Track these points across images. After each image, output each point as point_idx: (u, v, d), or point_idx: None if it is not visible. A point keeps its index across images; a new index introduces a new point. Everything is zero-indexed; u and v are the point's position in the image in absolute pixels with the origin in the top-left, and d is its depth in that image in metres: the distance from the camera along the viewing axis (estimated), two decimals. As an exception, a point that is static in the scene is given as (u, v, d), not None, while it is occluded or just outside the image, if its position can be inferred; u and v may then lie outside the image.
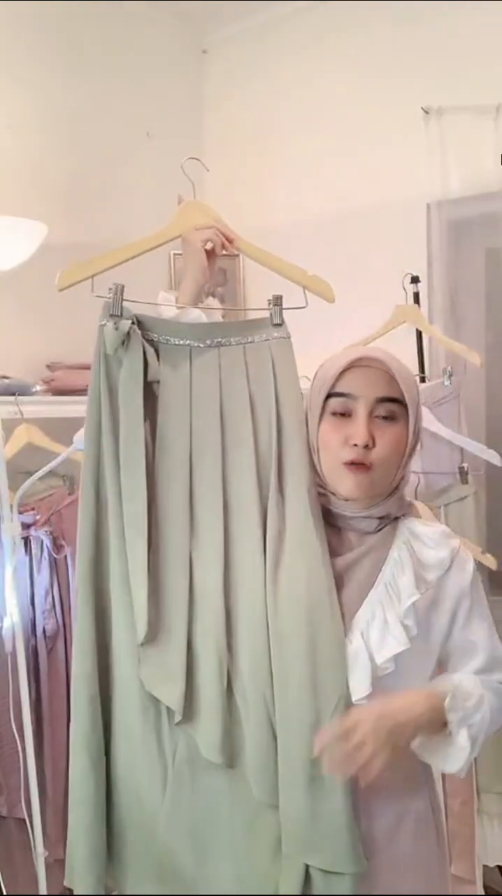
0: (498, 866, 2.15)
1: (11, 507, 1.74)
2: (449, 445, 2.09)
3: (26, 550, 1.91)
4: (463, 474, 2.06)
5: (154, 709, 1.09)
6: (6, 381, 1.95)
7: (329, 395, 1.10)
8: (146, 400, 1.12)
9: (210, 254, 1.21)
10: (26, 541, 1.91)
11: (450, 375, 2.10)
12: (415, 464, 2.07)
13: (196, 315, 1.18)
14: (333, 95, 2.70)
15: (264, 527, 1.09)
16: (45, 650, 1.90)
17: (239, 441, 1.12)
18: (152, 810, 1.10)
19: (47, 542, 1.93)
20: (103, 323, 1.11)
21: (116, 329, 1.09)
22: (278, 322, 1.15)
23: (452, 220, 2.47)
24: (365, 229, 2.62)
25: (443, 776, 1.98)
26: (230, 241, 1.21)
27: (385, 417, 1.09)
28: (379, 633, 1.05)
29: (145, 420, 1.12)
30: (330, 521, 1.13)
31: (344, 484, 1.09)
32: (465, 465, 2.06)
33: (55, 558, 1.94)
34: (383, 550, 1.11)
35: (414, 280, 2.30)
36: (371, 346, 1.17)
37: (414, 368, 2.33)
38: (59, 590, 1.95)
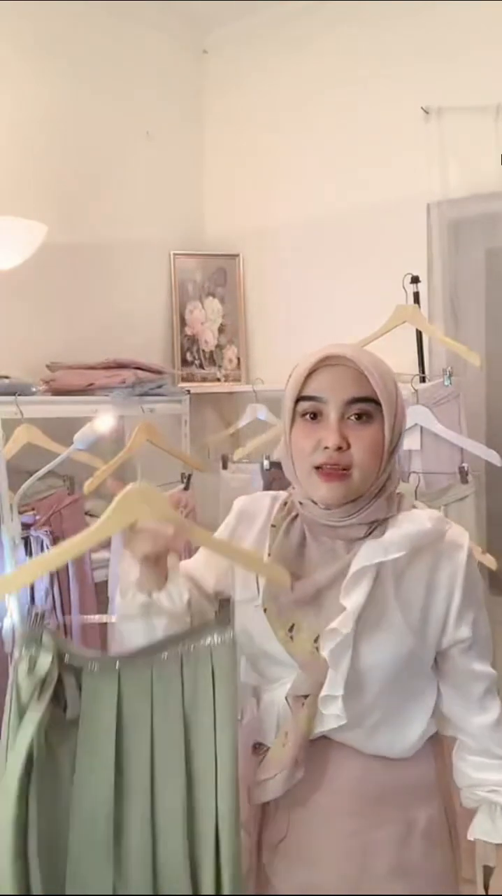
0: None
1: (11, 507, 1.74)
2: (449, 445, 2.09)
3: (26, 550, 1.91)
4: (463, 474, 2.06)
5: None
6: (6, 381, 1.95)
7: (298, 399, 1.05)
8: (70, 734, 0.97)
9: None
10: (26, 541, 1.91)
11: (450, 375, 2.10)
12: (415, 464, 2.08)
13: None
14: (333, 95, 2.70)
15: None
16: (45, 650, 1.91)
17: (171, 775, 0.97)
18: None
19: (47, 542, 1.93)
20: (18, 657, 0.92)
21: (31, 672, 0.92)
22: (224, 621, 0.97)
23: (452, 220, 2.48)
24: (365, 229, 2.62)
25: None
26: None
27: (358, 417, 1.03)
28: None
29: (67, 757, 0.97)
30: (317, 535, 1.09)
31: (317, 491, 1.04)
32: (465, 465, 2.07)
33: (55, 558, 1.94)
34: None
35: (415, 280, 2.30)
36: (342, 343, 1.08)
37: (414, 368, 2.33)
38: (59, 590, 1.96)
